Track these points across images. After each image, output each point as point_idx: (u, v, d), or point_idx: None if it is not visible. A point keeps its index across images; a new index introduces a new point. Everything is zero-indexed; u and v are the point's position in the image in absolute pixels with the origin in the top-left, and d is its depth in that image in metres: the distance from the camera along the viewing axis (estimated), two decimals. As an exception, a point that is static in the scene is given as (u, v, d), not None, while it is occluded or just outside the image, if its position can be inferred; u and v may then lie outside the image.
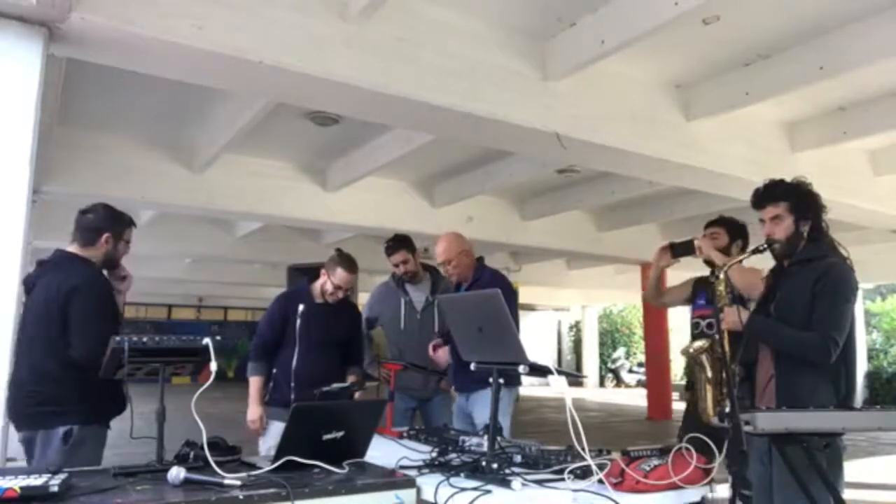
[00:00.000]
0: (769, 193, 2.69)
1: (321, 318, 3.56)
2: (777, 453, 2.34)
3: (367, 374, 3.81)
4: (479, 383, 3.21)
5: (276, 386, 3.58)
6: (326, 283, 3.58)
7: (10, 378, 2.89)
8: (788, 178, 2.73)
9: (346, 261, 3.59)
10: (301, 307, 3.55)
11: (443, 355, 3.70)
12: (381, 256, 4.22)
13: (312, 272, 3.80)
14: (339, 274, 3.55)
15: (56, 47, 3.52)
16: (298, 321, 3.53)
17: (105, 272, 3.04)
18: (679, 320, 18.56)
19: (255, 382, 3.56)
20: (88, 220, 2.98)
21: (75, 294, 2.76)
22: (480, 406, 3.49)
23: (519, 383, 3.66)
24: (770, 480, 2.48)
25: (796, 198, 2.65)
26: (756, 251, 2.69)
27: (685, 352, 2.73)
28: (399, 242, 4.07)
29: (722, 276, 2.67)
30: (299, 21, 3.90)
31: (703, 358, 2.64)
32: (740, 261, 2.72)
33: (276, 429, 3.08)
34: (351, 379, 3.49)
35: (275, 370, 3.58)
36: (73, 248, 2.96)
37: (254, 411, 3.52)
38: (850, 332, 2.49)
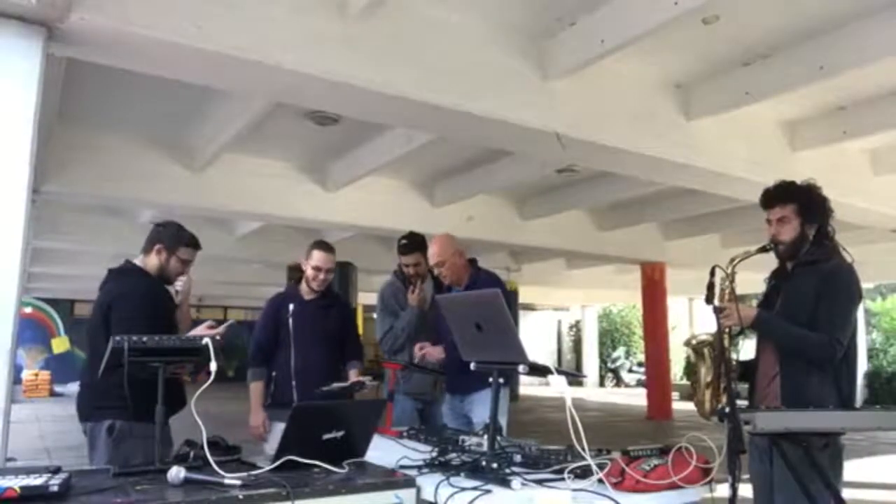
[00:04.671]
0: (778, 194, 2.67)
1: (313, 316, 3.57)
2: (777, 453, 2.34)
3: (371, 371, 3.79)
4: (475, 384, 3.20)
5: (277, 388, 3.57)
6: (308, 271, 3.58)
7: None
8: (790, 179, 2.72)
9: (319, 243, 3.62)
10: (292, 307, 3.57)
11: (433, 352, 3.62)
12: (381, 256, 4.20)
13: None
14: (315, 255, 3.56)
15: (56, 47, 3.52)
16: (291, 321, 3.54)
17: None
18: (679, 319, 18.59)
19: (255, 388, 3.57)
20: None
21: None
22: (478, 407, 3.48)
23: (507, 384, 3.61)
24: (770, 480, 2.48)
25: (805, 200, 2.63)
26: (763, 250, 2.68)
27: (688, 342, 2.72)
28: (415, 244, 3.96)
29: (730, 270, 2.64)
30: (299, 21, 3.90)
31: (706, 351, 2.63)
32: (745, 258, 2.70)
33: (281, 430, 3.06)
34: (353, 379, 3.49)
35: (274, 373, 3.58)
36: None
37: (256, 417, 3.52)
38: (852, 333, 2.49)
